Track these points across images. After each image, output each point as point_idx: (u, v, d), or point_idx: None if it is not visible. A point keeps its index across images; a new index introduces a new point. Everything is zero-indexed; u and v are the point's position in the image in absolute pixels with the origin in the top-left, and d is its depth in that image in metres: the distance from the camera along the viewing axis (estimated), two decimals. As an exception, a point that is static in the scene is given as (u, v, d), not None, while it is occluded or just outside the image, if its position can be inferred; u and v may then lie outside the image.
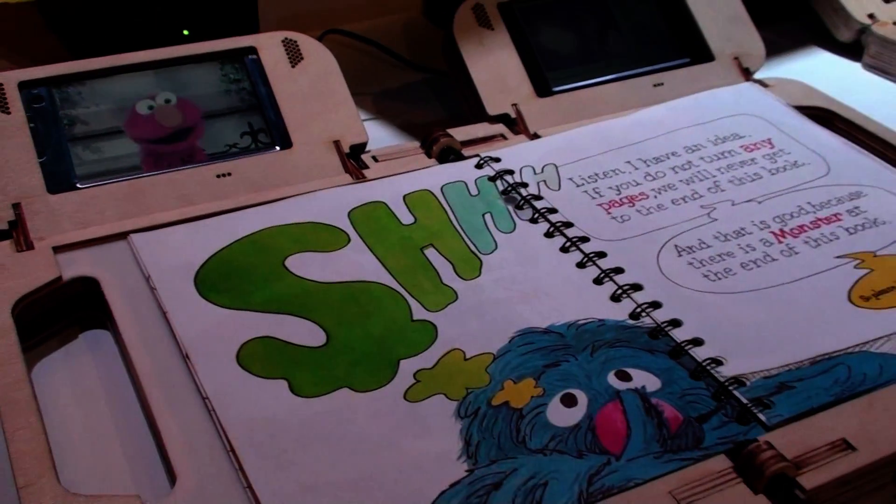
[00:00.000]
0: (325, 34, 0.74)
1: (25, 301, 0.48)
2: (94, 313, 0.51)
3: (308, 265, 0.52)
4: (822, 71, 0.83)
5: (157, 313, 0.48)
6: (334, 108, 0.61)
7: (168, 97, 0.59)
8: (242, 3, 0.71)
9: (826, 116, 0.68)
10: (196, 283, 0.49)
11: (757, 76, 0.73)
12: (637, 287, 0.51)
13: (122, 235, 0.53)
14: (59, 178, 0.54)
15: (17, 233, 0.52)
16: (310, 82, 0.62)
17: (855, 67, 0.83)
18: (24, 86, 0.56)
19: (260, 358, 0.46)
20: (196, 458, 0.41)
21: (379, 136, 0.70)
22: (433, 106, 0.73)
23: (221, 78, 0.61)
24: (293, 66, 0.62)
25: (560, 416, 0.44)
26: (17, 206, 0.53)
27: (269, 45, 0.62)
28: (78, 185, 0.55)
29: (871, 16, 0.83)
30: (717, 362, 0.46)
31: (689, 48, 0.72)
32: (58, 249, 0.51)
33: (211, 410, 0.43)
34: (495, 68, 0.66)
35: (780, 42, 0.87)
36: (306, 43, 0.63)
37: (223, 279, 0.50)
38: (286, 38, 0.62)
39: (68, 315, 0.51)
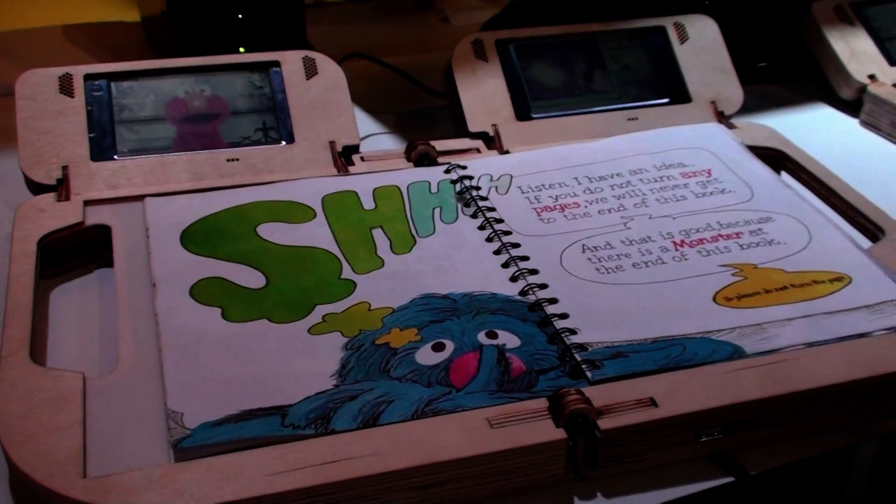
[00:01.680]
0: (347, 57, 0.87)
1: (51, 237, 0.62)
2: (109, 255, 0.64)
3: (274, 232, 0.63)
4: (821, 125, 0.90)
5: (145, 254, 0.61)
6: (336, 115, 0.73)
7: (203, 88, 0.73)
8: (293, 32, 0.85)
9: (778, 156, 0.75)
10: (181, 236, 0.62)
11: (742, 123, 0.81)
12: (534, 272, 0.60)
13: (140, 198, 0.66)
14: (101, 150, 0.69)
15: (62, 188, 0.66)
16: (319, 93, 0.74)
17: (853, 123, 0.89)
18: (88, 77, 0.71)
19: (207, 292, 0.58)
20: (136, 354, 0.53)
21: (388, 145, 0.82)
22: (445, 126, 0.84)
23: (248, 84, 0.74)
24: (308, 79, 0.74)
25: (427, 357, 0.53)
26: (65, 168, 0.67)
27: (291, 61, 0.75)
28: (115, 157, 0.69)
29: (871, 76, 0.88)
30: (573, 332, 0.55)
31: (670, 91, 0.81)
32: (88, 203, 0.65)
33: (157, 323, 0.55)
34: (483, 93, 0.77)
35: (791, 97, 0.94)
36: (322, 61, 0.76)
37: (202, 235, 0.62)
38: (306, 56, 0.75)
39: (89, 254, 0.65)
